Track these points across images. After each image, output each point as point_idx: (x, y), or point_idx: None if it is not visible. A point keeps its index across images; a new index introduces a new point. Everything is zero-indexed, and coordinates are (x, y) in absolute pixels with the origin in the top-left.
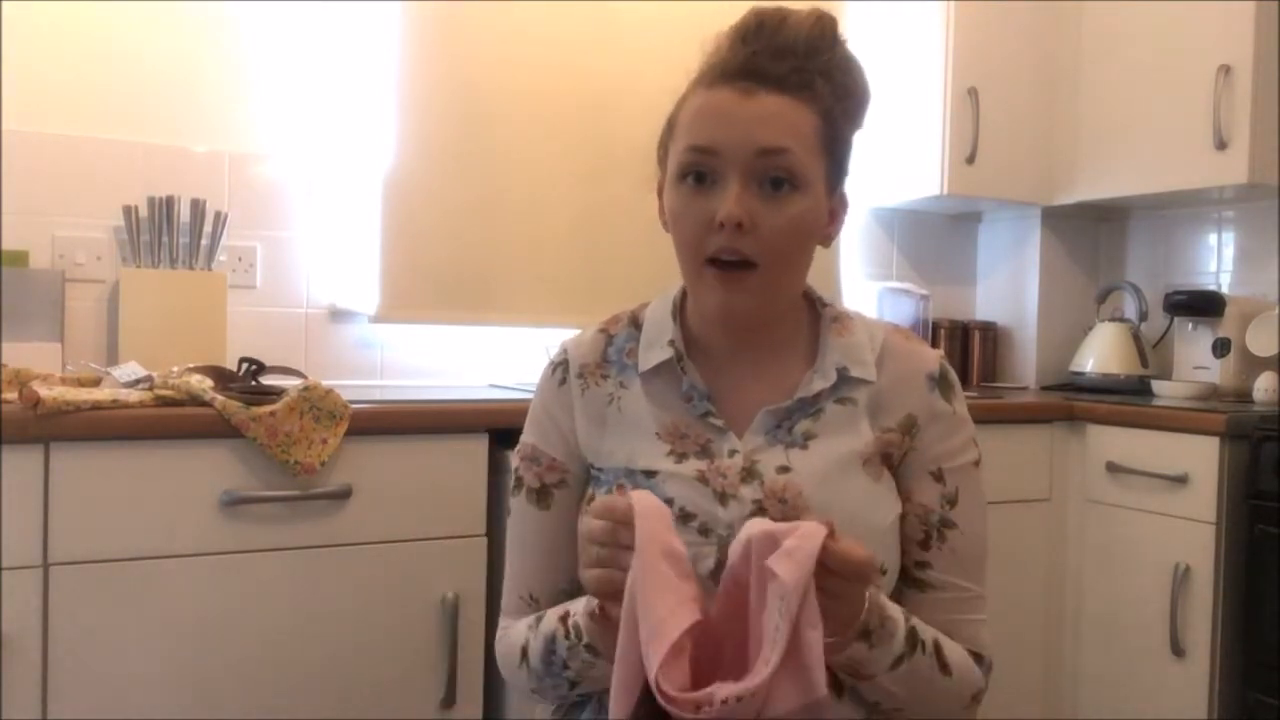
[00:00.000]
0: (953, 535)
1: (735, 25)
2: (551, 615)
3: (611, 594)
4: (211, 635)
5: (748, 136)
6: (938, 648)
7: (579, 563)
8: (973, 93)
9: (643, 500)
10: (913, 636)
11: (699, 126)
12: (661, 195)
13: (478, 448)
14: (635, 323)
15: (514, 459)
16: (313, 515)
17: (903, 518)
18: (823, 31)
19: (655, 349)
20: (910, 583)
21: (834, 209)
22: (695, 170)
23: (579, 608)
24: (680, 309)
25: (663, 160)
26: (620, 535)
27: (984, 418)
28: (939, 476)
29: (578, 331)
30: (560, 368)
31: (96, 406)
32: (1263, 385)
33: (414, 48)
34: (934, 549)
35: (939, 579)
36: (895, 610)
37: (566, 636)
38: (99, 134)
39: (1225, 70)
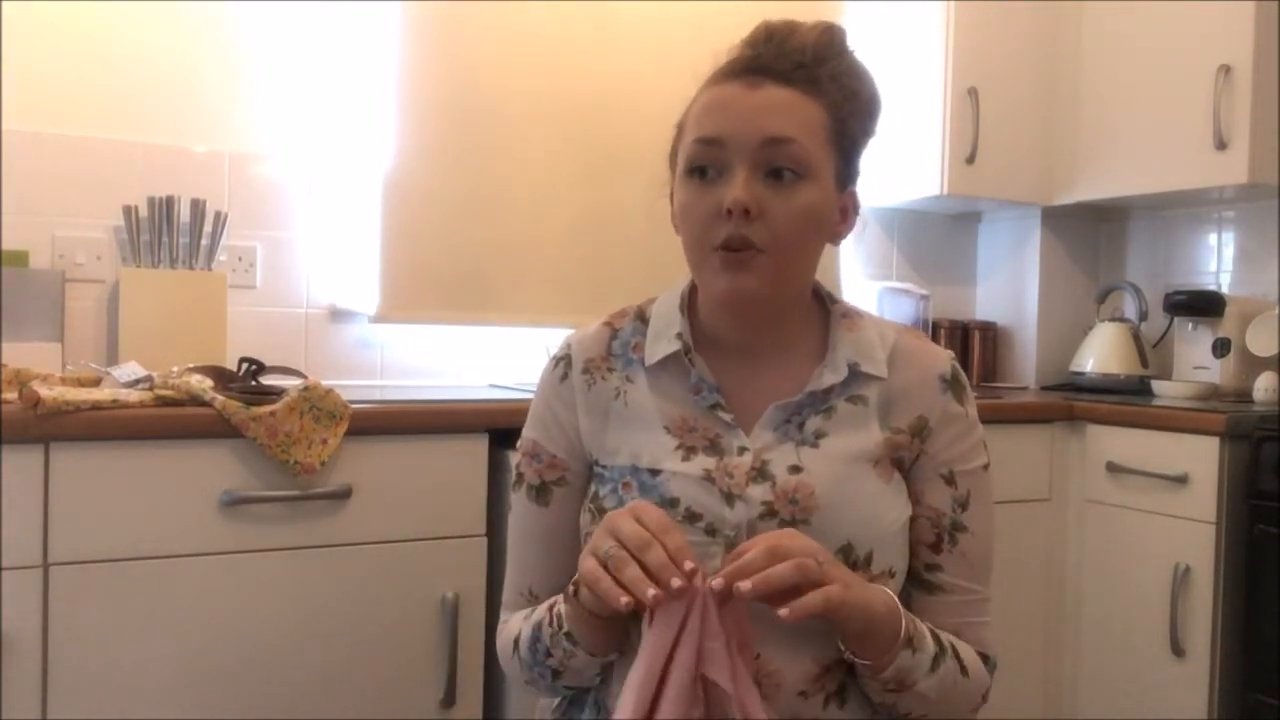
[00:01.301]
0: (963, 538)
1: (745, 36)
2: (543, 605)
3: (592, 584)
4: (211, 635)
5: (754, 126)
6: (954, 648)
7: (587, 545)
8: (973, 93)
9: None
10: (936, 637)
11: (706, 120)
12: (673, 199)
13: (478, 448)
14: (642, 317)
15: (515, 454)
16: (313, 515)
17: (912, 520)
18: (831, 40)
19: (662, 341)
20: (919, 585)
21: (845, 207)
22: (703, 163)
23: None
24: (689, 305)
25: (673, 164)
26: (649, 554)
27: (984, 418)
28: (950, 480)
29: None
30: (563, 362)
31: (96, 406)
32: (1263, 385)
33: (414, 48)
34: (945, 552)
35: (949, 581)
36: (911, 614)
37: (550, 624)
38: (99, 134)
39: (1225, 70)
